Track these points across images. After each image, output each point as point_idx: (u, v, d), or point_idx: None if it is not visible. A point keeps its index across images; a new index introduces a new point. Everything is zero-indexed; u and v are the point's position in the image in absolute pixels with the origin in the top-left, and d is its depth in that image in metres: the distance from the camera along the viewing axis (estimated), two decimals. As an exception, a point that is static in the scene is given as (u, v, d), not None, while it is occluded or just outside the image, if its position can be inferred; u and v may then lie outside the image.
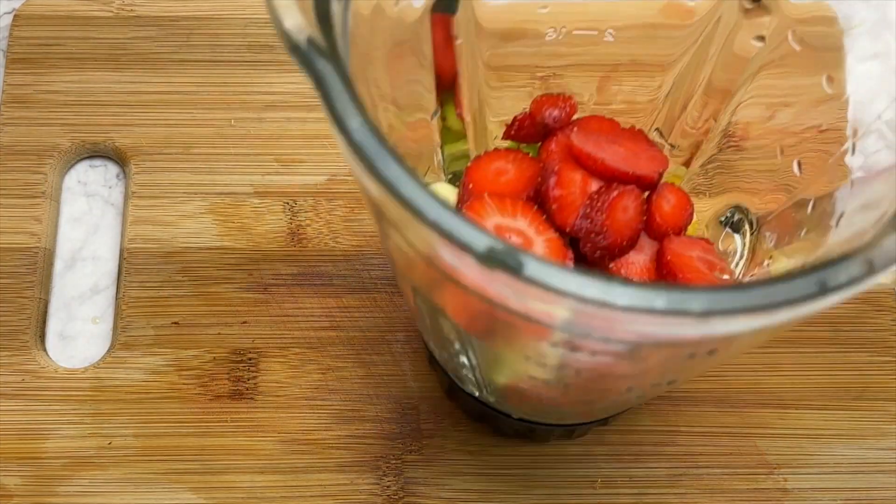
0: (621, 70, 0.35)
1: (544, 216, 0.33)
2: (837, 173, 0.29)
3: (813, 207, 0.31)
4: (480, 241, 0.19)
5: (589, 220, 0.33)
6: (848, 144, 0.28)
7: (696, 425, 0.40)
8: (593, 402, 0.35)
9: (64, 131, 0.44)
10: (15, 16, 0.46)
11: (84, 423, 0.39)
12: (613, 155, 0.34)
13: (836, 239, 0.27)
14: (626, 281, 0.19)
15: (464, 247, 0.19)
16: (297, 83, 0.45)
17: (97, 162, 0.45)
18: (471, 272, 0.19)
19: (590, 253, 0.33)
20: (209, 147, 0.44)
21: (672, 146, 0.38)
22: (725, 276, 0.34)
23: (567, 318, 0.21)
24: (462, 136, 0.37)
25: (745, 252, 0.36)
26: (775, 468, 0.39)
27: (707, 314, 0.19)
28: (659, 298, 0.18)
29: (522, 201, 0.33)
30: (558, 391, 0.31)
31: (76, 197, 0.44)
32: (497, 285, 0.19)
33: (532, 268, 0.19)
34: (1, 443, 0.39)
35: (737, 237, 0.37)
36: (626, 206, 0.33)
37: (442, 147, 0.37)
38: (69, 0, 0.46)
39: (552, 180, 0.33)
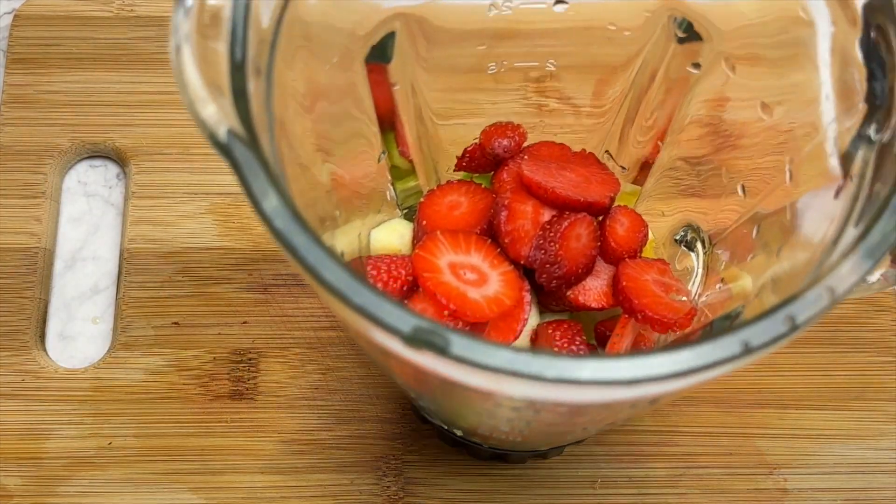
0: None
1: (498, 249, 0.33)
2: (784, 191, 0.29)
3: (758, 231, 0.31)
4: (406, 323, 0.19)
5: (543, 251, 0.32)
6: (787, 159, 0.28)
7: (696, 425, 0.40)
8: (554, 439, 0.35)
9: (64, 131, 0.44)
10: (15, 16, 0.46)
11: (84, 423, 0.39)
12: (564, 182, 0.34)
13: (788, 258, 0.27)
14: (554, 353, 0.19)
15: (390, 329, 0.19)
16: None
17: (97, 162, 0.45)
18: (401, 349, 0.19)
19: (546, 283, 0.33)
20: (209, 147, 0.43)
21: (623, 168, 0.38)
22: (682, 298, 0.34)
23: (500, 387, 0.20)
24: (410, 172, 0.37)
25: (701, 270, 0.36)
26: (775, 468, 0.39)
27: (634, 382, 0.19)
28: (585, 369, 0.18)
29: (476, 236, 0.33)
30: (516, 434, 0.31)
31: (76, 197, 0.44)
32: (428, 361, 0.19)
33: (458, 346, 0.19)
34: (1, 443, 0.39)
35: (692, 255, 0.36)
36: (580, 234, 0.33)
37: (393, 184, 0.37)
38: (69, 0, 0.46)
39: (503, 215, 0.33)
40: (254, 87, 0.22)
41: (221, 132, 0.20)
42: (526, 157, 0.36)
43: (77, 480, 0.38)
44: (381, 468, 0.39)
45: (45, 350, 0.41)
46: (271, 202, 0.20)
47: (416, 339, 0.19)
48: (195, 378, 0.40)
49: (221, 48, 0.22)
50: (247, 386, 0.40)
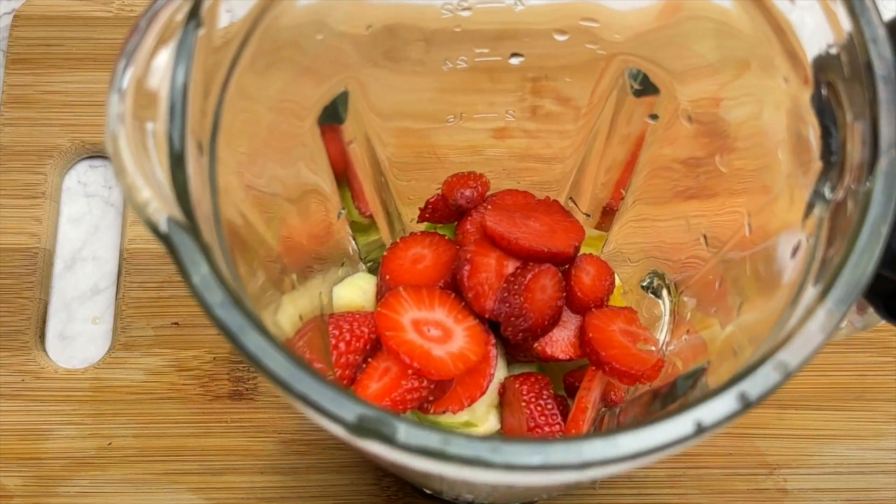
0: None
1: (462, 303, 0.33)
2: (744, 243, 0.29)
3: (721, 283, 0.31)
4: (350, 412, 0.19)
5: (507, 304, 0.32)
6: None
7: (696, 425, 0.40)
8: (523, 497, 0.35)
9: (64, 131, 0.44)
10: (15, 16, 0.45)
11: (84, 424, 0.39)
12: (528, 232, 0.33)
13: (751, 310, 0.27)
14: (505, 439, 0.18)
15: (334, 418, 0.19)
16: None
17: (97, 162, 0.45)
18: (347, 436, 0.19)
19: (511, 336, 0.32)
20: (209, 147, 0.44)
21: (587, 215, 0.37)
22: (650, 347, 0.33)
23: (452, 473, 0.20)
24: (371, 226, 0.37)
25: (668, 317, 0.36)
26: (775, 468, 0.39)
27: (584, 466, 0.18)
28: (535, 455, 0.18)
29: (439, 290, 0.33)
30: (483, 497, 0.30)
31: (76, 197, 0.44)
32: (375, 448, 0.19)
33: (405, 434, 0.18)
34: (1, 443, 0.39)
35: (660, 302, 0.36)
36: (545, 286, 0.32)
37: (354, 238, 0.37)
38: (69, 0, 0.46)
39: (466, 269, 0.33)
40: (196, 165, 0.21)
41: (162, 222, 0.20)
42: (489, 206, 0.35)
43: (77, 480, 0.38)
44: (381, 468, 0.39)
45: (45, 350, 0.41)
46: (214, 294, 0.20)
47: (361, 429, 0.18)
48: (195, 378, 0.40)
49: (160, 131, 0.21)
50: (246, 386, 0.40)
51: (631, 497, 0.39)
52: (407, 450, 0.18)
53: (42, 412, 0.39)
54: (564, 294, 0.33)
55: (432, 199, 0.37)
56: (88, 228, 0.44)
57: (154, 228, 0.20)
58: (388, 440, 0.18)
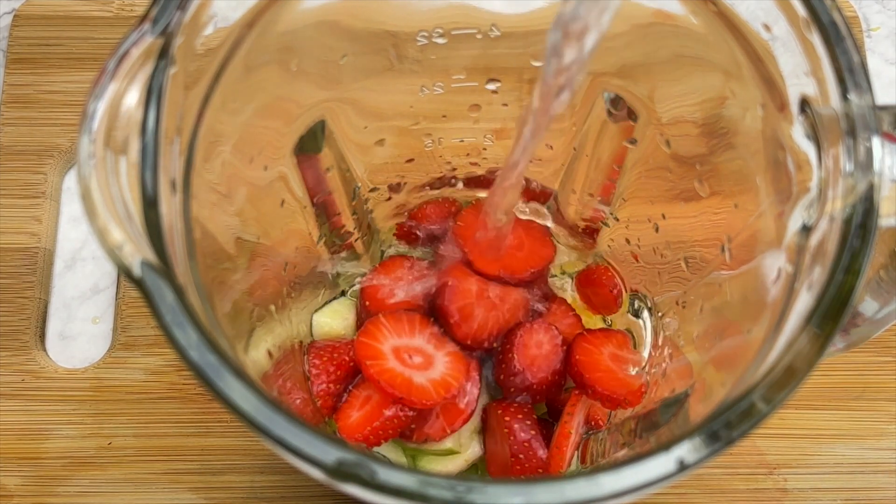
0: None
1: (442, 329, 0.33)
2: (723, 269, 0.29)
3: (702, 311, 0.31)
4: (329, 455, 0.19)
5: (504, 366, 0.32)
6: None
7: (696, 425, 0.40)
8: None
9: (64, 131, 0.44)
10: (15, 16, 0.45)
11: (84, 423, 0.39)
12: (503, 254, 0.34)
13: (731, 338, 0.27)
14: (485, 480, 0.19)
15: (312, 461, 0.19)
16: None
17: (97, 162, 0.45)
18: (324, 478, 0.19)
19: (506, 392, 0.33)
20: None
21: (569, 236, 0.37)
22: (635, 371, 0.33)
23: None
24: (350, 252, 0.37)
25: (650, 338, 0.36)
26: (775, 468, 0.39)
27: None
28: (517, 496, 0.18)
29: (419, 317, 0.33)
30: None
31: (76, 197, 0.44)
32: (353, 490, 0.19)
33: (384, 476, 0.18)
34: (1, 443, 0.39)
35: (641, 323, 0.36)
36: (541, 342, 0.33)
37: (334, 265, 0.36)
38: (69, 0, 0.46)
39: (444, 295, 0.33)
40: (169, 204, 0.21)
41: (135, 265, 0.20)
42: (461, 223, 0.35)
43: (77, 480, 0.38)
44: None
45: (45, 350, 0.41)
46: (187, 335, 0.20)
47: (340, 472, 0.18)
48: (195, 378, 0.40)
49: (132, 172, 0.21)
50: (247, 386, 0.40)
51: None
52: (386, 492, 0.18)
53: (42, 412, 0.39)
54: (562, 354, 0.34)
55: (407, 225, 0.37)
56: (88, 228, 0.44)
57: (128, 273, 0.20)
58: (367, 483, 0.18)
